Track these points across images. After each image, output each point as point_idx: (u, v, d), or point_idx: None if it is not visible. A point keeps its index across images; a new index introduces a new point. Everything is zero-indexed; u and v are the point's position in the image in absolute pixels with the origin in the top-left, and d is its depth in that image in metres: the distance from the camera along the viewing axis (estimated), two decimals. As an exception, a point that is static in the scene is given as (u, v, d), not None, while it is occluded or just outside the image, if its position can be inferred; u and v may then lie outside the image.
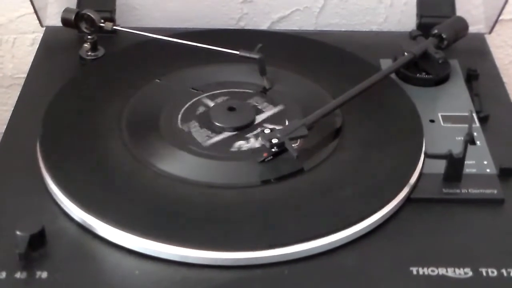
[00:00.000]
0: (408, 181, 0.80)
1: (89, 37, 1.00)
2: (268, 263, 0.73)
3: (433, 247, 0.75)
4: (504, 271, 0.72)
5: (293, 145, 0.82)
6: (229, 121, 0.87)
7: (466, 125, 0.81)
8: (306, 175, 0.81)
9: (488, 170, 0.83)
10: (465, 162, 0.80)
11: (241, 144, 0.85)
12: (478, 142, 0.85)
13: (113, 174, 0.81)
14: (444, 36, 0.98)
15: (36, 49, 1.04)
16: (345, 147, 0.85)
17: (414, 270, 0.72)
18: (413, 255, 0.74)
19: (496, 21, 1.07)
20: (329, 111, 0.86)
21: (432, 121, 0.90)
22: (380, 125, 0.88)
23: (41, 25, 1.08)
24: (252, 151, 0.84)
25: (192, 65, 0.96)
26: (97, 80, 0.95)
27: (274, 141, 0.81)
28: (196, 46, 0.95)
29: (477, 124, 0.89)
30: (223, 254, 0.73)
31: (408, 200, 0.80)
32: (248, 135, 0.86)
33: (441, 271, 0.72)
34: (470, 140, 0.79)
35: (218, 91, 0.93)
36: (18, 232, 0.71)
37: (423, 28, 1.02)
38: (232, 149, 0.84)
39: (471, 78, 0.97)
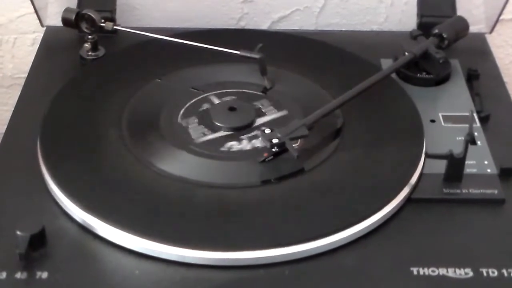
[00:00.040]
0: (409, 181, 0.80)
1: (89, 37, 1.00)
2: (269, 263, 0.73)
3: (434, 247, 0.75)
4: (504, 271, 0.72)
5: (293, 145, 0.82)
6: (227, 121, 0.87)
7: (467, 125, 0.81)
8: (307, 175, 0.81)
9: (488, 170, 0.83)
10: (466, 162, 0.80)
11: (233, 145, 0.85)
12: (478, 142, 0.85)
13: (113, 174, 0.81)
14: (444, 35, 0.98)
15: (36, 49, 1.04)
16: (345, 147, 0.85)
17: (414, 270, 0.72)
18: (413, 255, 0.74)
19: (496, 21, 1.07)
20: (329, 111, 0.86)
21: (432, 121, 0.90)
22: (381, 125, 0.88)
23: (42, 25, 1.08)
24: (243, 152, 0.84)
25: (193, 65, 0.96)
26: (97, 80, 0.95)
27: (275, 141, 0.81)
28: (197, 46, 0.95)
29: (478, 124, 0.89)
30: (223, 254, 0.73)
31: (408, 200, 0.80)
32: (242, 137, 0.86)
33: (442, 271, 0.72)
34: (470, 140, 0.79)
35: (226, 90, 0.93)
36: (18, 232, 0.71)
37: (424, 27, 1.02)
38: (222, 149, 0.84)
39: (471, 78, 0.97)
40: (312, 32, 1.09)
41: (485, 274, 0.72)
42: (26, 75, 0.99)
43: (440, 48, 0.97)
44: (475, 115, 0.90)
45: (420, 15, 1.06)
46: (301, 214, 0.77)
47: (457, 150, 0.80)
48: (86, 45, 1.00)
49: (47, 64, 1.01)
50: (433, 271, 0.72)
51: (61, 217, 0.77)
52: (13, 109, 0.92)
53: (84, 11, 1.00)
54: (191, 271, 0.72)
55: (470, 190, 0.81)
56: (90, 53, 1.00)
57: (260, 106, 0.90)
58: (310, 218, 0.76)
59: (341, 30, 1.12)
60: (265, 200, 0.78)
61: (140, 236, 0.74)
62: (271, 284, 0.72)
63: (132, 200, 0.78)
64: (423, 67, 0.96)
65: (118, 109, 0.89)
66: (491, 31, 1.09)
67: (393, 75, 0.95)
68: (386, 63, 0.98)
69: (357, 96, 0.88)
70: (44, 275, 0.71)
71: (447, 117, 0.90)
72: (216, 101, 0.91)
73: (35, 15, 1.07)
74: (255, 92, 0.92)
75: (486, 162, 0.84)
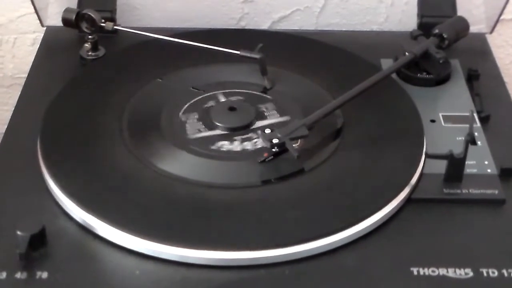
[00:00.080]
0: (409, 181, 0.80)
1: (89, 37, 1.00)
2: (269, 263, 0.73)
3: (434, 247, 0.75)
4: (504, 271, 0.72)
5: (293, 145, 0.82)
6: (225, 120, 0.87)
7: (467, 125, 0.81)
8: (307, 175, 0.81)
9: (489, 170, 0.83)
10: (466, 162, 0.80)
11: (223, 144, 0.84)
12: (479, 142, 0.85)
13: (113, 174, 0.81)
14: (445, 36, 0.98)
15: (36, 49, 1.04)
16: (345, 147, 0.85)
17: (414, 270, 0.72)
18: (413, 255, 0.74)
19: (497, 21, 1.07)
20: (329, 111, 0.86)
21: (433, 121, 0.90)
22: (381, 125, 0.88)
23: (42, 25, 1.08)
24: (232, 152, 0.83)
25: (193, 65, 0.96)
26: (97, 80, 0.95)
27: (275, 141, 0.81)
28: (197, 46, 0.95)
29: (478, 124, 0.89)
30: (223, 254, 0.73)
31: (408, 200, 0.80)
32: (236, 137, 0.86)
33: (442, 271, 0.72)
34: (471, 140, 0.79)
35: (235, 90, 0.92)
36: (18, 232, 0.71)
37: (424, 27, 1.02)
38: (212, 147, 0.84)
39: (472, 78, 0.97)
40: (312, 32, 1.09)
41: (485, 274, 0.72)
42: (26, 75, 0.99)
43: (440, 48, 0.97)
44: (475, 115, 0.90)
45: (421, 15, 1.06)
46: (301, 214, 0.77)
47: (457, 150, 0.80)
48: (86, 45, 1.00)
49: (47, 64, 1.01)
50: (433, 271, 0.72)
51: (61, 217, 0.77)
52: (13, 109, 0.92)
53: (84, 11, 1.00)
54: (191, 271, 0.72)
55: (470, 190, 0.81)
56: (90, 53, 1.00)
57: (264, 110, 0.89)
58: (310, 218, 0.76)
59: (341, 30, 1.12)
60: (265, 200, 0.78)
61: (140, 236, 0.74)
62: (271, 284, 0.72)
63: (132, 200, 0.78)
64: (423, 67, 0.96)
65: (118, 109, 0.89)
66: (491, 31, 1.09)
67: (394, 75, 0.95)
68: (386, 63, 0.98)
69: (357, 96, 0.88)
70: (44, 275, 0.71)
71: (447, 117, 0.90)
72: (222, 99, 0.91)
73: (36, 15, 1.07)
74: (263, 94, 0.92)
75: (486, 162, 0.84)
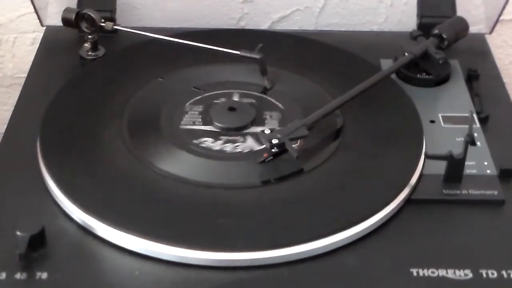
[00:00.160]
0: (409, 182, 0.80)
1: (89, 36, 1.00)
2: (268, 264, 0.73)
3: (433, 248, 0.75)
4: (504, 272, 0.72)
5: (293, 145, 0.82)
6: (220, 119, 0.87)
7: (467, 126, 0.81)
8: (306, 175, 0.81)
9: (488, 171, 0.83)
10: (466, 163, 0.80)
11: (206, 141, 0.85)
12: (478, 143, 0.85)
13: (113, 174, 0.81)
14: (444, 36, 0.98)
15: (36, 49, 1.04)
16: (345, 148, 0.85)
17: (414, 271, 0.72)
18: (413, 256, 0.74)
19: (496, 21, 1.07)
20: (329, 111, 0.86)
21: (432, 121, 0.90)
22: (380, 125, 0.88)
23: (42, 25, 1.08)
24: (209, 149, 0.84)
25: (193, 65, 0.96)
26: (97, 80, 0.95)
27: (275, 141, 0.81)
28: (197, 46, 0.95)
29: (478, 124, 0.89)
30: (223, 255, 0.73)
31: (408, 201, 0.80)
32: (223, 136, 0.86)
33: (441, 272, 0.72)
34: (470, 141, 0.79)
35: (249, 92, 0.92)
36: (18, 233, 0.71)
37: (424, 28, 1.02)
38: (194, 141, 0.84)
39: (471, 79, 0.97)
40: (312, 32, 1.09)
41: (484, 275, 0.72)
42: (26, 74, 0.99)
43: (440, 48, 0.97)
44: (474, 115, 0.90)
45: (420, 15, 1.06)
46: (301, 214, 0.77)
47: (457, 151, 0.80)
48: (86, 45, 1.00)
49: (47, 64, 1.01)
50: (432, 272, 0.72)
51: (61, 218, 0.77)
52: (13, 108, 0.92)
53: (84, 11, 1.00)
54: (191, 272, 0.72)
55: (470, 191, 0.81)
56: (90, 53, 1.00)
57: (267, 117, 0.89)
58: (309, 219, 0.76)
59: (341, 30, 1.12)
60: (265, 200, 0.78)
61: (140, 236, 0.74)
62: (271, 285, 0.72)
63: (132, 201, 0.78)
64: (423, 67, 0.96)
65: (118, 109, 0.89)
66: (491, 32, 1.09)
67: (393, 76, 0.95)
68: (386, 64, 0.98)
69: (357, 96, 0.88)
70: (44, 275, 0.71)
71: (446, 118, 0.90)
72: (236, 98, 0.91)
73: (35, 15, 1.07)
74: (276, 103, 0.91)
75: (486, 163, 0.84)
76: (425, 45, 0.96)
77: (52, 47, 1.04)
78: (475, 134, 0.83)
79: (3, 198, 0.79)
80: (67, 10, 1.01)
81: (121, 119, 0.88)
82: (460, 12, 1.06)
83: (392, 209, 0.78)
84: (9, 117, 0.91)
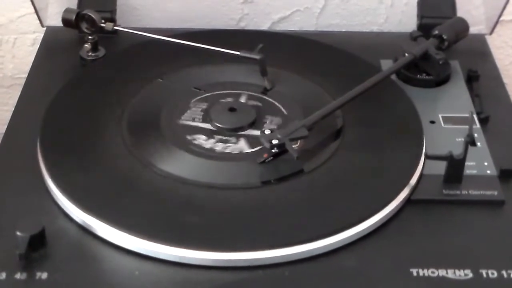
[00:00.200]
0: (409, 182, 0.80)
1: (89, 37, 1.00)
2: (268, 264, 0.73)
3: (434, 248, 0.75)
4: (504, 272, 0.72)
5: (293, 146, 0.82)
6: (218, 117, 0.87)
7: (467, 126, 0.81)
8: (306, 176, 0.81)
9: (488, 172, 0.83)
10: (466, 163, 0.80)
11: (199, 138, 0.85)
12: (478, 143, 0.85)
13: (113, 175, 0.81)
14: (444, 37, 0.98)
15: (36, 49, 1.04)
16: (345, 148, 0.85)
17: (414, 271, 0.72)
18: (413, 256, 0.74)
19: (496, 22, 1.07)
20: (329, 112, 0.86)
21: (432, 122, 0.90)
22: (381, 126, 0.88)
23: (42, 25, 1.08)
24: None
25: (193, 65, 0.96)
26: (97, 81, 0.95)
27: (275, 141, 0.81)
28: (197, 46, 0.95)
29: (478, 125, 0.89)
30: (223, 255, 0.73)
31: (408, 201, 0.80)
32: (217, 136, 0.86)
33: (441, 272, 0.72)
34: (470, 141, 0.79)
35: (259, 95, 0.92)
36: (18, 233, 0.71)
37: (424, 29, 1.02)
38: (188, 137, 0.85)
39: (471, 79, 0.97)
40: (312, 33, 1.10)
41: (484, 275, 0.72)
42: (26, 75, 0.99)
43: (440, 49, 0.97)
44: (475, 116, 0.90)
45: (420, 16, 1.06)
46: (301, 215, 0.77)
47: (457, 151, 0.80)
48: (86, 45, 1.00)
49: (47, 65, 1.01)
50: (432, 272, 0.72)
51: (61, 218, 0.77)
52: (13, 109, 0.92)
53: (84, 12, 1.00)
54: (191, 272, 0.72)
55: (470, 191, 0.81)
56: (90, 54, 1.00)
57: (267, 121, 0.88)
58: (309, 219, 0.76)
59: (341, 31, 1.12)
60: (265, 201, 0.78)
61: (140, 236, 0.74)
62: (271, 285, 0.72)
63: (131, 201, 0.78)
64: (423, 68, 0.96)
65: (118, 109, 0.89)
66: (491, 32, 1.09)
67: (393, 76, 0.95)
68: (386, 64, 0.98)
69: (357, 97, 0.88)
70: (44, 275, 0.71)
71: (447, 118, 0.90)
72: (243, 100, 0.91)
73: (36, 16, 1.07)
74: (281, 108, 0.91)
75: (486, 164, 0.84)
76: (425, 45, 0.96)
77: (52, 48, 1.04)
78: (475, 135, 0.83)
79: (3, 198, 0.79)
80: (67, 10, 1.01)
81: (121, 120, 0.88)
82: (460, 12, 1.06)
83: (392, 209, 0.78)
84: (9, 117, 0.91)
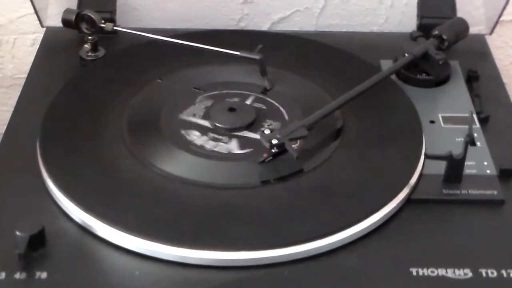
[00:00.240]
0: (408, 181, 0.80)
1: (89, 37, 1.00)
2: (268, 263, 0.73)
3: (433, 248, 0.75)
4: (504, 272, 0.72)
5: (293, 145, 0.82)
6: (216, 116, 0.88)
7: (467, 126, 0.81)
8: (306, 175, 0.81)
9: (488, 171, 0.83)
10: (465, 163, 0.80)
11: (192, 133, 0.86)
12: (478, 143, 0.85)
13: (113, 175, 0.81)
14: (444, 37, 0.98)
15: (36, 50, 1.04)
16: (345, 148, 0.85)
17: (414, 271, 0.72)
18: (413, 255, 0.74)
19: (496, 22, 1.07)
20: (329, 111, 0.86)
21: (432, 122, 0.90)
22: (380, 126, 0.88)
23: (42, 26, 1.08)
24: (190, 143, 0.84)
25: (192, 65, 0.96)
26: (97, 81, 0.95)
27: (274, 141, 0.81)
28: (197, 46, 0.95)
29: (478, 125, 0.89)
30: (223, 255, 0.73)
31: (408, 201, 0.80)
32: (211, 133, 0.86)
33: (441, 272, 0.72)
34: (470, 141, 0.79)
35: (266, 98, 0.92)
36: (18, 233, 0.71)
37: (424, 29, 1.02)
38: (182, 131, 0.86)
39: (471, 79, 0.97)
40: (312, 33, 1.10)
41: (484, 274, 0.72)
42: (26, 75, 0.99)
43: (440, 49, 0.97)
44: (474, 116, 0.90)
45: (420, 16, 1.06)
46: (301, 214, 0.77)
47: (457, 151, 0.80)
48: (86, 45, 1.00)
49: (47, 65, 1.01)
50: (432, 272, 0.72)
51: (61, 218, 0.77)
52: (12, 109, 0.92)
53: (84, 12, 1.00)
54: (190, 272, 0.72)
55: (469, 191, 0.81)
56: (90, 54, 1.00)
57: (267, 125, 0.88)
58: (309, 219, 0.76)
59: (341, 31, 1.12)
60: (264, 200, 0.78)
61: (139, 236, 0.74)
62: (271, 285, 0.72)
63: (131, 201, 0.78)
64: (423, 68, 0.96)
65: (118, 109, 0.89)
66: (491, 33, 1.09)
67: (393, 76, 0.95)
68: (386, 64, 0.98)
69: (357, 97, 0.88)
70: (44, 275, 0.71)
71: (446, 118, 0.90)
72: (249, 102, 0.91)
73: (35, 16, 1.07)
74: (283, 112, 0.90)
75: (485, 163, 0.84)
76: (425, 46, 0.96)
77: (52, 48, 1.04)
78: (475, 134, 0.83)
79: (3, 198, 0.79)
80: (67, 11, 1.01)
81: (121, 120, 0.88)
82: (460, 13, 1.06)
83: (392, 209, 0.78)
84: (9, 117, 0.91)
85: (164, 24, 1.10)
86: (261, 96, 0.92)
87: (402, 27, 1.11)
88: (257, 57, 0.93)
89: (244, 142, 0.85)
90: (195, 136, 0.85)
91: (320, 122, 0.85)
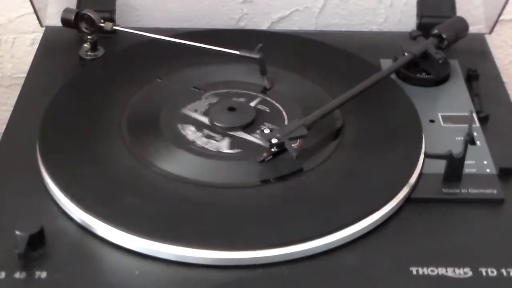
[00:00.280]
0: (408, 181, 0.80)
1: (89, 37, 1.00)
2: (268, 263, 0.73)
3: (433, 247, 0.75)
4: (503, 271, 0.72)
5: (292, 145, 0.82)
6: (215, 114, 0.88)
7: (466, 125, 0.81)
8: (306, 175, 0.81)
9: (488, 170, 0.83)
10: (465, 162, 0.80)
11: (187, 127, 0.86)
12: (478, 142, 0.85)
13: (113, 174, 0.81)
14: (444, 36, 0.98)
15: (35, 49, 1.04)
16: (344, 147, 0.85)
17: (414, 270, 0.72)
18: (413, 255, 0.74)
19: (496, 21, 1.07)
20: (329, 111, 0.86)
21: (432, 121, 0.90)
22: (380, 125, 0.88)
23: (41, 25, 1.08)
24: (188, 141, 0.84)
25: (192, 65, 0.96)
26: (97, 80, 0.95)
27: (274, 141, 0.81)
28: (197, 46, 0.95)
29: (477, 124, 0.89)
30: (222, 254, 0.72)
31: (408, 200, 0.80)
32: (206, 130, 0.86)
33: (441, 271, 0.72)
34: (470, 140, 0.79)
35: (271, 100, 0.91)
36: (17, 232, 0.71)
37: (423, 28, 1.02)
38: (179, 125, 0.86)
39: (471, 78, 0.97)
40: (311, 32, 1.10)
41: (484, 273, 0.72)
42: (25, 75, 0.99)
43: (439, 48, 0.97)
44: (474, 115, 0.90)
45: (420, 15, 1.06)
46: (301, 214, 0.77)
47: (457, 150, 0.80)
48: (86, 45, 1.00)
49: (47, 64, 1.01)
50: (432, 271, 0.72)
51: (60, 217, 0.77)
52: (12, 109, 0.92)
53: (83, 12, 1.00)
54: (190, 271, 0.72)
55: (469, 190, 0.81)
56: (89, 53, 1.00)
57: (265, 128, 0.87)
58: (309, 218, 0.76)
59: (341, 31, 1.12)
60: (264, 200, 0.78)
61: (139, 236, 0.74)
62: (271, 284, 0.72)
63: (131, 200, 0.78)
64: (422, 67, 0.96)
65: (118, 109, 0.89)
66: (490, 32, 1.09)
67: (393, 76, 0.95)
68: (386, 64, 0.98)
69: (357, 96, 0.88)
70: (43, 275, 0.71)
71: (446, 117, 0.90)
72: (254, 104, 0.91)
73: (35, 15, 1.07)
74: (284, 114, 0.90)
75: (485, 162, 0.84)
76: (425, 45, 0.96)
77: (51, 48, 1.04)
78: (475, 134, 0.83)
79: (3, 198, 0.79)
80: (66, 10, 1.01)
81: (121, 119, 0.88)
82: (460, 12, 1.06)
83: (392, 208, 0.78)
84: (9, 117, 0.91)
85: (164, 24, 1.10)
86: (268, 98, 0.92)
87: (402, 26, 1.11)
88: (256, 56, 0.93)
89: (235, 143, 0.85)
90: (189, 131, 0.85)
91: (320, 121, 0.85)
